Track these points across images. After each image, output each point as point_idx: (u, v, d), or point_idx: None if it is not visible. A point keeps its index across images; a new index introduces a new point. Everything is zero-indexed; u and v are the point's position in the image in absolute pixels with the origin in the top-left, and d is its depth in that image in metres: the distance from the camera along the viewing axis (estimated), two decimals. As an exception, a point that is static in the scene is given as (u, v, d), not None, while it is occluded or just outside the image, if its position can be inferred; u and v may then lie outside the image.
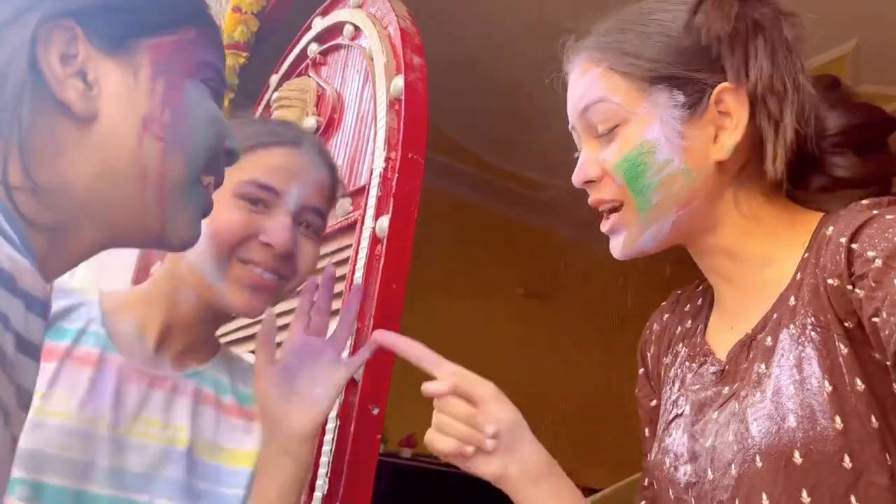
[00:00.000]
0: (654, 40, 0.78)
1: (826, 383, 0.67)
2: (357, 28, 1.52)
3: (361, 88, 1.45)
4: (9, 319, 0.50)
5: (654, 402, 0.91)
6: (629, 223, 0.79)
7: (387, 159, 1.22)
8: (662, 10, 0.80)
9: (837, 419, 0.66)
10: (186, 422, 0.89)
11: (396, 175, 1.21)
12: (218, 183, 0.71)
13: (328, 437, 1.11)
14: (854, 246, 0.67)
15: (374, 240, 1.19)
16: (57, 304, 0.87)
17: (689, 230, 0.79)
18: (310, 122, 1.51)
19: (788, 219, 0.79)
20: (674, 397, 0.84)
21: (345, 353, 0.97)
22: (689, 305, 0.91)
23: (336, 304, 1.02)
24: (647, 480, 0.89)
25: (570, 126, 0.84)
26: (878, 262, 0.64)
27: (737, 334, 0.79)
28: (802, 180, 0.80)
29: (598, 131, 0.79)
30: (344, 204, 1.31)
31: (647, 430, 0.91)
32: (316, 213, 0.95)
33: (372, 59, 1.41)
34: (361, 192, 1.28)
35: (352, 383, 1.09)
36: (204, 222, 0.84)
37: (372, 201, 1.22)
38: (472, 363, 0.87)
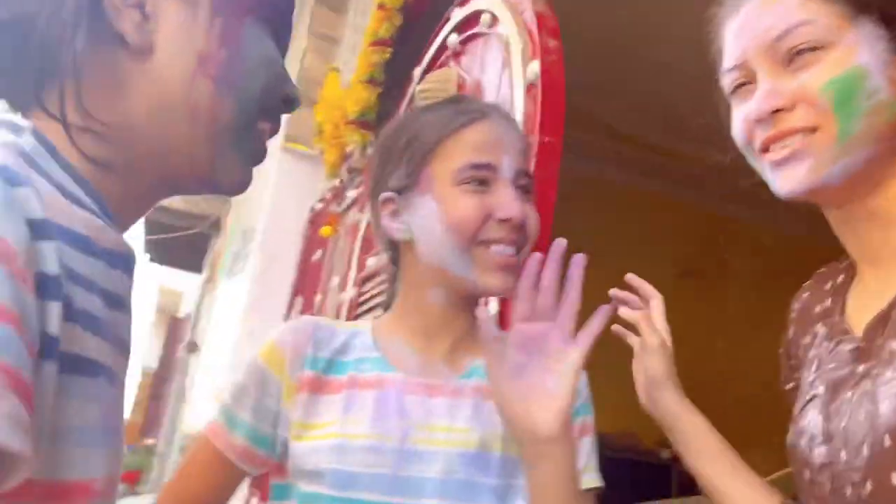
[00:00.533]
0: None
1: None
2: (494, 16, 1.52)
3: (500, 75, 1.45)
4: (93, 282, 0.51)
5: (789, 385, 0.89)
6: (821, 149, 0.74)
7: (524, 144, 1.22)
8: None
9: None
10: (472, 422, 0.90)
11: (534, 160, 1.20)
12: (274, 130, 0.68)
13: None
14: None
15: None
16: (336, 341, 0.93)
17: (868, 176, 0.75)
18: (451, 111, 1.53)
19: None
20: (811, 378, 0.80)
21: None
22: (829, 284, 0.86)
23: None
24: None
25: (730, 67, 0.81)
26: None
27: (875, 311, 0.75)
28: None
29: (791, 59, 0.76)
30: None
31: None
32: (526, 175, 0.94)
33: (508, 44, 1.41)
34: (500, 178, 1.28)
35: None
36: (439, 219, 0.88)
37: (511, 187, 1.22)
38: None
